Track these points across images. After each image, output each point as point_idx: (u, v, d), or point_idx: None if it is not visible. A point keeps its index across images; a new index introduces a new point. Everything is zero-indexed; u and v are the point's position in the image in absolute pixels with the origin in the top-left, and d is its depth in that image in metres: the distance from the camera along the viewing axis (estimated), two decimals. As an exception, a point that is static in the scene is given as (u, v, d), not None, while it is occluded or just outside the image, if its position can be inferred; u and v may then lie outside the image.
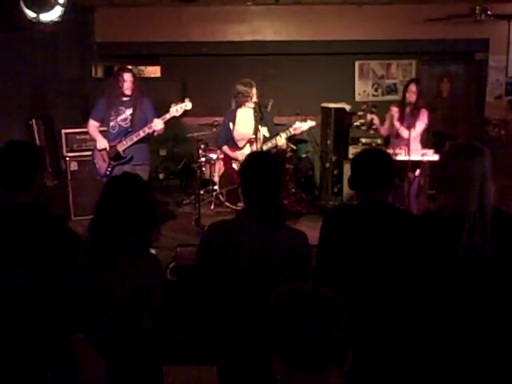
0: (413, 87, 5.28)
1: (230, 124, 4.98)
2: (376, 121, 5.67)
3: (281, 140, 4.85)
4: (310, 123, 4.99)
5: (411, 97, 5.26)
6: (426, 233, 2.20)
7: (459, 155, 2.18)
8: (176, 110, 4.96)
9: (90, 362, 2.17)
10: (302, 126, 4.90)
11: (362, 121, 6.86)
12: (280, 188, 2.38)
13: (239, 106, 4.96)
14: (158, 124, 4.87)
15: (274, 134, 4.91)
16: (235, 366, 2.29)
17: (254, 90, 4.88)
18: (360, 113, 5.86)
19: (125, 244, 2.11)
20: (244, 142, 4.94)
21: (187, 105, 4.99)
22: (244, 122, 4.95)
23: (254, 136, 4.85)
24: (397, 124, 5.31)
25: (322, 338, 1.24)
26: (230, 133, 4.98)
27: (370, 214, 2.33)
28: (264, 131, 4.88)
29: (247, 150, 4.88)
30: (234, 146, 4.96)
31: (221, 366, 2.34)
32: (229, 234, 2.29)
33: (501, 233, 2.08)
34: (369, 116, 5.72)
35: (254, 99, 4.87)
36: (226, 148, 4.99)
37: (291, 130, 4.86)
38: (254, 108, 4.80)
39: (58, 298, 2.21)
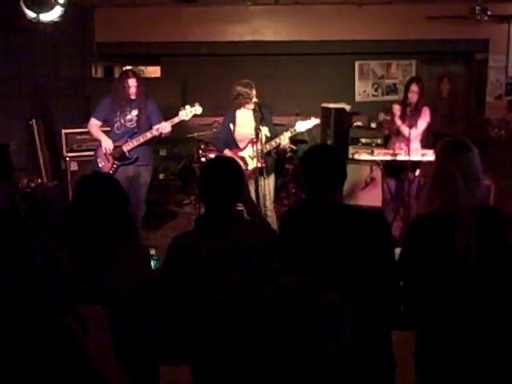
0: (414, 87, 5.27)
1: (231, 125, 4.95)
2: (386, 122, 5.68)
3: (284, 140, 4.83)
4: (315, 121, 4.97)
5: (413, 97, 5.24)
6: (415, 240, 2.19)
7: (443, 152, 2.18)
8: (186, 113, 4.96)
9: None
10: (306, 124, 4.89)
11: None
12: (238, 194, 2.29)
13: (239, 107, 4.93)
14: (166, 127, 4.88)
15: (274, 133, 4.88)
16: (207, 367, 2.30)
17: (254, 91, 4.86)
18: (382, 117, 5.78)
19: (111, 238, 2.11)
20: (245, 143, 4.91)
21: (197, 109, 4.97)
22: (244, 122, 4.92)
23: (254, 136, 4.83)
24: (398, 122, 5.30)
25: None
26: (230, 134, 4.95)
27: (324, 213, 2.23)
28: (265, 131, 4.85)
29: (249, 151, 4.87)
30: (235, 147, 4.94)
31: (194, 368, 2.36)
32: (188, 244, 2.30)
33: (487, 230, 2.07)
34: (381, 116, 5.71)
35: (254, 99, 4.85)
36: (227, 151, 4.96)
37: (296, 128, 4.84)
38: (254, 108, 4.79)
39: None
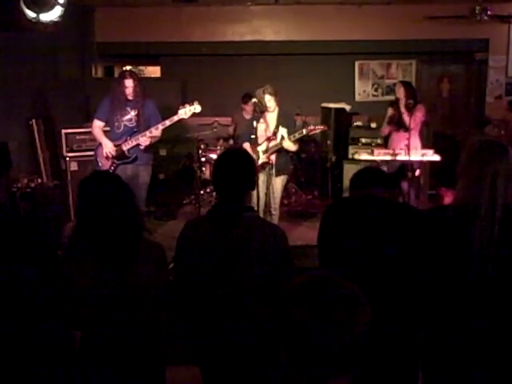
0: (399, 87, 5.67)
1: (254, 122, 5.13)
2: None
3: (286, 142, 4.97)
4: (323, 128, 5.22)
5: (399, 93, 5.57)
6: (435, 228, 2.20)
7: (482, 151, 2.17)
8: (184, 112, 4.98)
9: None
10: (314, 129, 5.03)
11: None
12: (248, 187, 2.36)
13: (262, 112, 5.12)
14: (154, 132, 4.92)
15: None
16: (216, 366, 2.30)
17: (268, 97, 5.02)
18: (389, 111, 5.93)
19: (128, 237, 2.12)
20: (262, 139, 5.10)
21: (196, 108, 5.01)
22: (266, 121, 5.14)
23: (254, 137, 5.00)
24: (403, 108, 5.42)
25: (327, 346, 1.14)
26: (253, 130, 5.11)
27: (372, 205, 2.38)
28: (283, 132, 5.02)
29: (263, 147, 5.07)
30: (255, 143, 5.09)
31: (203, 367, 2.37)
32: (199, 231, 2.33)
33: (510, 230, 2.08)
34: (390, 110, 5.76)
35: (270, 105, 5.03)
36: (246, 145, 5.15)
37: (304, 130, 4.97)
38: (278, 112, 5.08)
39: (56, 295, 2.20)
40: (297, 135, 4.96)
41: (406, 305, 2.29)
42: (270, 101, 5.02)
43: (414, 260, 2.24)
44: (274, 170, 5.02)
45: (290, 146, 5.02)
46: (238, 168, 2.31)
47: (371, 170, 2.59)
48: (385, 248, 2.30)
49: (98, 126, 5.11)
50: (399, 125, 5.51)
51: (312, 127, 5.02)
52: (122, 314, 2.11)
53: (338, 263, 2.37)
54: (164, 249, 2.30)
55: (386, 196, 2.44)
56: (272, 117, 5.12)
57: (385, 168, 5.06)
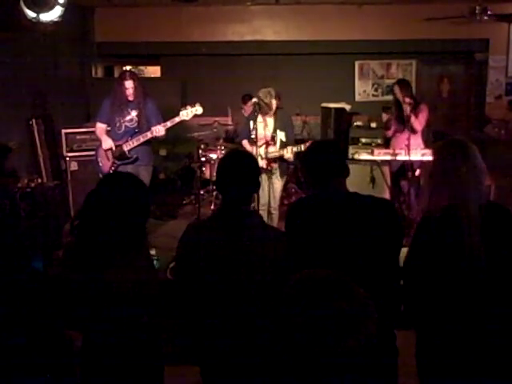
0: (396, 89, 5.40)
1: (251, 122, 5.06)
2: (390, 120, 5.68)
3: (287, 153, 4.94)
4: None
5: (399, 95, 5.35)
6: (421, 231, 2.20)
7: (449, 151, 2.18)
8: (186, 113, 4.98)
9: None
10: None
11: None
12: (252, 189, 2.34)
13: (262, 114, 5.01)
14: (160, 131, 4.90)
15: (291, 139, 5.05)
16: (216, 367, 2.29)
17: (274, 100, 4.99)
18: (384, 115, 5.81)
19: (120, 243, 2.10)
20: (261, 143, 5.05)
21: (198, 109, 5.00)
22: (265, 119, 5.07)
23: (254, 137, 4.96)
24: (407, 108, 5.28)
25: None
26: (249, 130, 5.08)
27: (342, 204, 2.27)
28: (281, 136, 5.00)
29: (262, 151, 5.00)
30: (254, 143, 5.06)
31: (203, 368, 2.36)
32: (203, 234, 2.29)
33: (495, 228, 2.08)
34: (384, 116, 5.71)
35: (274, 107, 4.99)
36: (245, 142, 5.15)
37: (302, 146, 4.94)
38: (275, 115, 5.00)
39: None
40: (295, 149, 4.93)
41: (383, 302, 2.26)
42: (275, 104, 5.00)
43: (394, 258, 2.23)
44: (273, 172, 5.02)
45: (290, 157, 4.98)
46: (243, 170, 2.26)
47: (331, 159, 2.36)
48: (364, 246, 2.22)
49: (100, 127, 5.12)
50: (404, 126, 5.39)
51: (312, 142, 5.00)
52: (117, 315, 2.10)
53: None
54: (149, 252, 2.29)
55: (344, 186, 2.35)
56: (270, 118, 5.07)
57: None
